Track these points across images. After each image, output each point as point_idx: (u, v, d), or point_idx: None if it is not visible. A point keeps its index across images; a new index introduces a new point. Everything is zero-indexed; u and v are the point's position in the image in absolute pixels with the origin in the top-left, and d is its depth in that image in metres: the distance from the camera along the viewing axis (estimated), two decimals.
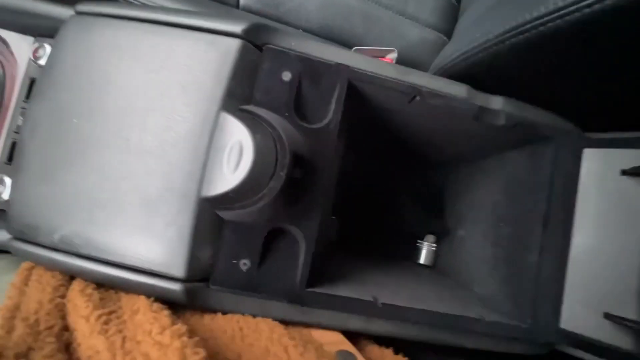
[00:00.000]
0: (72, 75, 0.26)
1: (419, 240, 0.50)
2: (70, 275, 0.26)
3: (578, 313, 0.30)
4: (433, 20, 0.60)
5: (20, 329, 0.21)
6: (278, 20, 0.52)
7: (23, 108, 0.32)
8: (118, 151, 0.25)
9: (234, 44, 0.26)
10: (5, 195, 0.30)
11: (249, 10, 0.51)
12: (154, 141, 0.25)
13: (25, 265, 0.27)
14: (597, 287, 0.29)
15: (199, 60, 0.26)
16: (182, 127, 0.25)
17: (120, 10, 0.27)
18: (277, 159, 0.24)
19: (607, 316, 0.28)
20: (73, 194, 0.25)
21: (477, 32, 0.34)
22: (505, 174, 0.37)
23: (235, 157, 0.23)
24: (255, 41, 0.27)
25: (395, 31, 0.56)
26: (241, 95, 0.26)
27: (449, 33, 0.62)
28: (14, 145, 0.31)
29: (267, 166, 0.23)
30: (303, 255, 0.27)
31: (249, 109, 0.26)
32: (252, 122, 0.24)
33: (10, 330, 0.21)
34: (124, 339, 0.21)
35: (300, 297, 0.27)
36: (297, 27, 0.53)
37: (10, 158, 0.31)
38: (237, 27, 0.26)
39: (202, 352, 0.19)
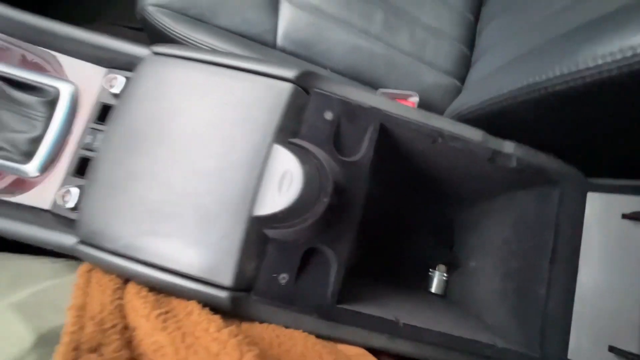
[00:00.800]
0: (147, 105, 0.31)
1: (430, 270, 0.53)
2: (125, 279, 0.29)
3: (584, 345, 0.32)
4: (447, 66, 0.66)
5: (89, 327, 0.24)
6: (309, 60, 0.58)
7: (92, 128, 0.36)
8: (182, 172, 0.29)
9: (287, 87, 0.30)
10: (71, 204, 0.34)
11: (283, 51, 0.57)
12: (214, 165, 0.29)
13: (84, 267, 0.30)
14: (602, 321, 0.32)
15: (256, 99, 0.30)
16: (239, 155, 0.29)
17: (191, 53, 0.32)
18: (320, 187, 0.27)
19: (612, 349, 0.31)
20: (139, 206, 0.29)
21: (490, 86, 0.39)
22: (514, 212, 0.41)
23: (285, 183, 0.27)
24: (303, 85, 0.31)
25: (412, 75, 0.62)
26: (290, 130, 0.30)
27: (461, 78, 0.68)
28: (81, 160, 0.35)
29: (313, 192, 0.27)
30: (334, 274, 0.30)
31: (297, 142, 0.30)
32: (300, 153, 0.28)
33: (81, 327, 0.24)
34: (183, 334, 0.23)
35: (330, 313, 0.29)
36: (325, 67, 0.59)
37: (77, 171, 0.35)
38: (290, 74, 0.31)
39: (256, 349, 0.22)
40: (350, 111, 0.32)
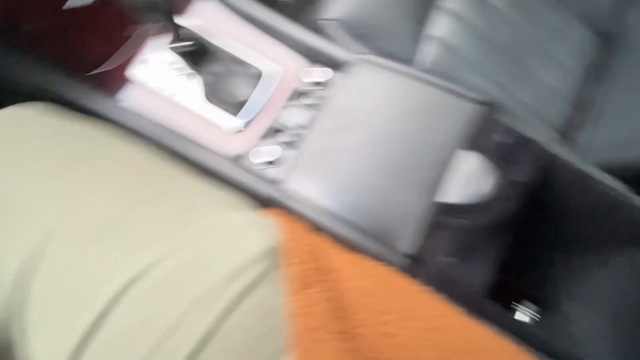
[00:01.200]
0: (353, 97, 0.39)
1: (513, 302, 0.55)
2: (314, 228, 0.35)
3: None
4: (555, 121, 0.71)
5: (306, 264, 0.30)
6: None
7: (288, 107, 0.44)
8: (378, 152, 0.36)
9: (474, 107, 0.37)
10: (260, 160, 0.41)
11: None
12: (406, 153, 0.35)
13: (279, 212, 0.36)
14: None
15: (446, 112, 0.37)
16: (430, 151, 0.35)
17: (394, 65, 0.40)
18: (498, 194, 0.33)
19: None
20: (339, 172, 0.35)
21: (619, 154, 0.43)
22: (630, 266, 0.44)
23: (472, 183, 0.32)
24: (485, 109, 0.38)
25: (526, 124, 0.67)
26: (471, 141, 0.36)
27: (563, 134, 0.72)
28: (273, 130, 0.43)
29: (491, 196, 0.32)
30: (487, 271, 0.34)
31: (475, 153, 0.36)
32: (482, 161, 0.34)
33: (302, 262, 0.30)
34: (384, 282, 0.29)
35: (475, 305, 0.34)
36: None
37: (265, 135, 0.43)
38: (479, 97, 0.37)
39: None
40: (516, 139, 0.38)
